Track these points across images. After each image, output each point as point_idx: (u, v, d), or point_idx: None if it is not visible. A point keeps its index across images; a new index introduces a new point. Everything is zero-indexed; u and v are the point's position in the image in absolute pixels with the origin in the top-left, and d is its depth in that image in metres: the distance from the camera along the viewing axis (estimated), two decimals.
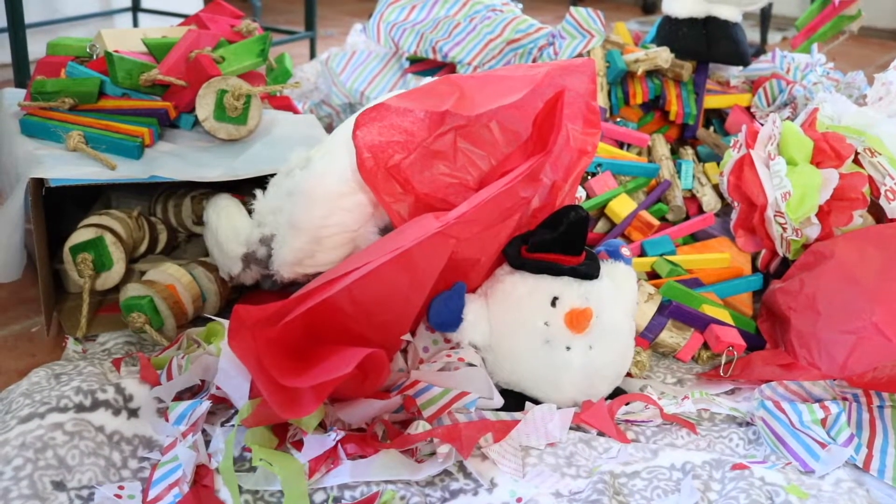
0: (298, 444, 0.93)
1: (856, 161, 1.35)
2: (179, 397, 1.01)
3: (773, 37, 3.61)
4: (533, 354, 1.04)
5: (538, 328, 1.03)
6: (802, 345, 1.16)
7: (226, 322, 1.05)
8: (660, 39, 1.71)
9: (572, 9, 1.66)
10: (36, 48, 1.94)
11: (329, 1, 3.85)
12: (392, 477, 0.90)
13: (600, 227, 1.42)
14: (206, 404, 0.95)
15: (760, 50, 2.27)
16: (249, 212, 1.18)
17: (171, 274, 1.18)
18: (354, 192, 1.07)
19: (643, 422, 1.07)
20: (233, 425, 0.95)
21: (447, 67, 1.79)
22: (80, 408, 0.93)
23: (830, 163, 1.32)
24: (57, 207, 1.33)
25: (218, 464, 0.91)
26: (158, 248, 1.32)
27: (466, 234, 0.98)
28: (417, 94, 1.05)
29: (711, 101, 1.68)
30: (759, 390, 1.10)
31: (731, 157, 1.37)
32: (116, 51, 1.32)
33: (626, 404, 1.06)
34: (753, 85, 1.72)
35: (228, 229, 1.17)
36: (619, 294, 1.09)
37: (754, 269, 1.39)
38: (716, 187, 1.51)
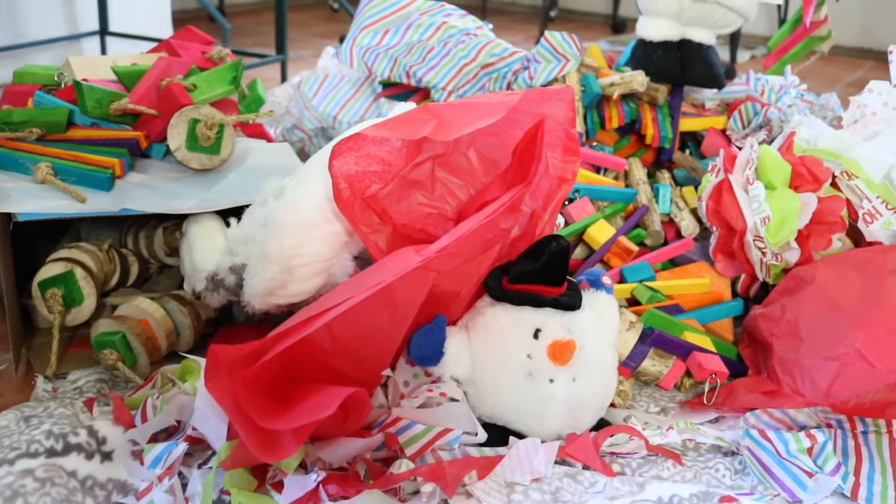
0: (279, 486, 0.90)
1: (833, 184, 1.35)
2: (155, 439, 0.98)
3: (742, 55, 3.64)
4: (516, 387, 1.02)
5: (521, 361, 1.02)
6: (785, 371, 1.16)
7: (201, 360, 1.02)
8: (634, 63, 1.71)
9: (547, 33, 1.65)
10: (2, 73, 1.91)
11: (299, 22, 3.83)
12: None
13: (578, 252, 1.41)
14: (182, 446, 0.92)
15: (730, 69, 2.28)
16: None
17: (143, 309, 1.15)
18: (328, 221, 1.05)
19: (628, 454, 1.05)
20: (210, 467, 0.93)
21: (421, 92, 1.77)
22: (51, 452, 0.90)
23: (808, 186, 1.32)
24: (23, 239, 1.30)
25: None
26: (130, 281, 1.29)
27: (447, 266, 0.97)
28: (394, 122, 1.04)
29: (687, 124, 1.68)
30: (743, 419, 1.09)
31: (710, 181, 1.37)
32: (85, 79, 1.30)
33: (611, 436, 1.05)
34: (728, 107, 1.72)
35: (205, 244, 1.15)
36: (601, 324, 1.08)
37: (734, 294, 1.38)
38: (694, 212, 1.50)
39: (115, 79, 1.35)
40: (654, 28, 1.69)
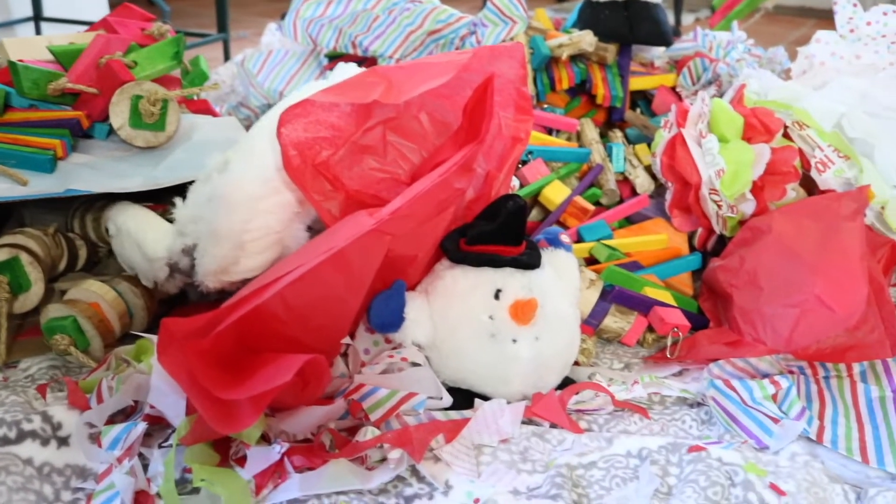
0: (242, 461, 0.88)
1: (785, 135, 1.35)
2: (112, 420, 0.95)
3: (686, 18, 3.65)
4: (479, 349, 1.01)
5: (483, 322, 1.00)
6: (746, 321, 1.16)
7: (155, 338, 1.00)
8: (581, 23, 1.69)
9: None
10: None
11: (239, 2, 3.77)
12: (343, 487, 0.86)
13: (534, 215, 1.40)
14: (141, 426, 0.90)
15: (675, 32, 2.27)
16: (170, 221, 1.13)
17: (94, 291, 1.12)
18: (276, 192, 1.02)
19: (595, 410, 1.04)
20: (171, 445, 0.90)
21: (367, 62, 1.75)
22: (4, 441, 0.87)
23: (761, 138, 1.32)
24: None
25: (158, 488, 0.86)
26: (79, 265, 1.26)
27: (402, 229, 0.95)
28: (343, 87, 1.02)
29: (637, 83, 1.67)
30: (707, 370, 1.09)
31: (663, 137, 1.36)
32: (21, 60, 1.26)
33: (577, 394, 1.04)
34: (677, 65, 1.72)
35: (150, 232, 1.11)
36: (561, 282, 1.07)
37: (691, 249, 1.38)
38: (648, 169, 1.50)
39: (51, 59, 1.31)
40: None
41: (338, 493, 0.86)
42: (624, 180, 1.50)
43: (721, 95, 1.57)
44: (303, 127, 1.01)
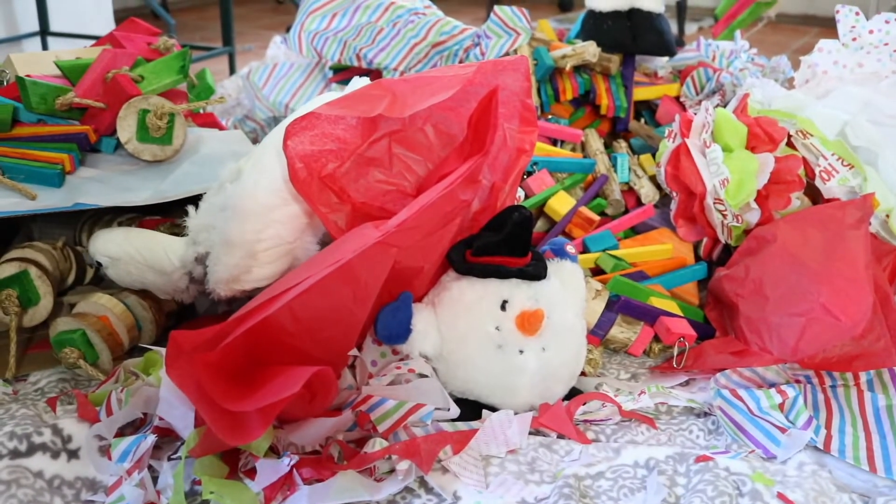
0: (251, 473, 0.88)
1: (789, 144, 1.35)
2: (121, 433, 0.95)
3: (689, 27, 3.66)
4: (486, 361, 1.01)
5: (490, 333, 1.01)
6: (752, 330, 1.16)
7: (163, 350, 1.00)
8: (585, 34, 1.70)
9: (497, 8, 1.64)
10: None
11: (244, 16, 3.79)
12: (352, 499, 0.87)
13: (540, 225, 1.40)
14: (150, 438, 0.90)
15: (679, 41, 2.28)
16: (177, 234, 1.13)
17: (102, 304, 1.12)
18: (287, 203, 1.03)
19: (602, 421, 1.05)
20: (180, 457, 0.90)
21: (372, 74, 1.76)
22: (15, 454, 0.88)
23: (765, 147, 1.32)
24: None
25: (168, 500, 0.87)
26: (87, 279, 1.27)
27: (408, 241, 0.95)
28: (348, 100, 1.02)
29: (640, 93, 1.67)
30: (714, 379, 1.09)
31: (667, 147, 1.37)
32: (28, 75, 1.27)
33: (584, 404, 1.04)
34: (681, 74, 1.72)
35: (156, 249, 1.11)
36: (568, 293, 1.07)
37: (697, 258, 1.38)
38: (653, 179, 1.50)
39: (58, 74, 1.32)
40: None
41: None
42: (629, 190, 1.51)
43: (725, 105, 1.58)
44: (309, 140, 1.01)
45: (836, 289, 1.11)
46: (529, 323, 1.00)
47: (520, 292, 1.02)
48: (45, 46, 2.56)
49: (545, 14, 3.97)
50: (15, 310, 1.13)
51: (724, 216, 1.29)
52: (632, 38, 1.67)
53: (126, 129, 1.23)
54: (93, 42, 1.53)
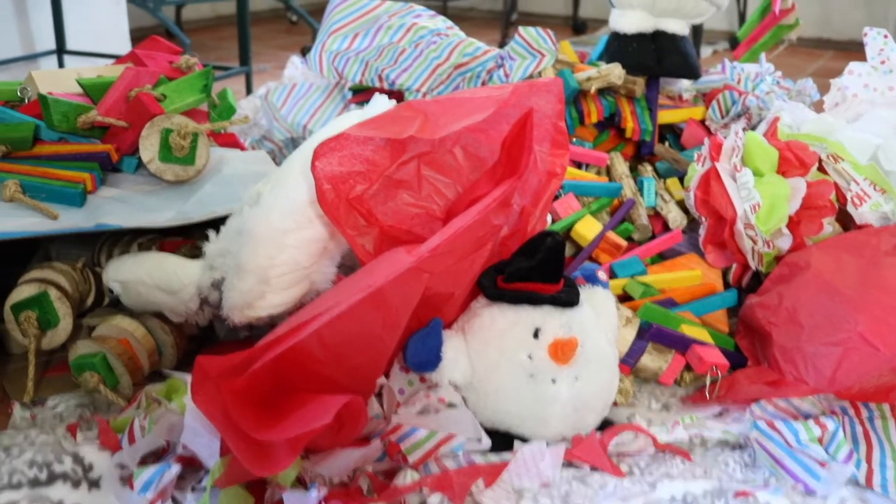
0: None
1: (820, 168, 1.33)
2: (144, 462, 0.93)
3: (704, 50, 3.64)
4: (517, 390, 0.98)
5: (521, 362, 0.98)
6: (787, 360, 1.13)
7: (186, 377, 0.98)
8: (609, 56, 1.68)
9: (521, 29, 1.62)
10: None
11: (258, 36, 3.78)
12: None
13: (566, 250, 1.38)
14: (175, 468, 0.88)
15: None
16: (198, 256, 1.11)
17: (123, 328, 1.10)
18: (302, 227, 1.01)
19: (636, 453, 1.02)
20: (205, 488, 0.88)
21: (394, 95, 1.74)
22: (35, 483, 0.85)
23: (795, 171, 1.30)
24: None
25: None
26: (106, 300, 1.24)
27: (440, 267, 0.93)
28: (379, 121, 1.00)
29: (665, 116, 1.65)
30: (749, 410, 1.06)
31: (696, 171, 1.34)
32: (50, 93, 1.25)
33: (617, 435, 1.02)
34: (706, 97, 1.70)
35: (167, 271, 1.09)
36: (600, 320, 1.05)
37: (725, 285, 1.35)
38: (680, 203, 1.48)
39: (80, 92, 1.31)
40: (627, 20, 1.66)
41: None
42: (655, 215, 1.48)
43: (751, 128, 1.56)
44: (337, 161, 0.99)
45: (874, 317, 1.08)
46: (563, 352, 0.98)
47: (552, 320, 0.99)
48: (61, 64, 2.55)
49: (559, 36, 3.96)
50: (34, 332, 1.11)
51: (755, 242, 1.26)
52: (656, 60, 1.65)
53: (149, 148, 1.21)
54: (113, 60, 1.52)
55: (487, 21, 4.33)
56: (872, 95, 1.48)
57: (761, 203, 1.25)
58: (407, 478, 0.88)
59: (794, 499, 0.91)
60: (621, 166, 1.52)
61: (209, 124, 1.28)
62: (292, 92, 1.88)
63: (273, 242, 1.00)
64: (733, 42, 3.70)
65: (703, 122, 1.67)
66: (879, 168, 1.33)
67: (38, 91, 1.26)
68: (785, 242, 1.27)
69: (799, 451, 0.99)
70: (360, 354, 0.90)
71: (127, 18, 2.80)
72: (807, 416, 1.06)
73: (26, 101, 1.30)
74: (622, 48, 1.66)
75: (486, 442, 0.96)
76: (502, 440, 0.99)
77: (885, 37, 1.56)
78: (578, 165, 1.53)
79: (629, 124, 1.58)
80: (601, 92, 1.61)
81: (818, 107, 1.67)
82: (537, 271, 1.00)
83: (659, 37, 1.67)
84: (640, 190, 1.49)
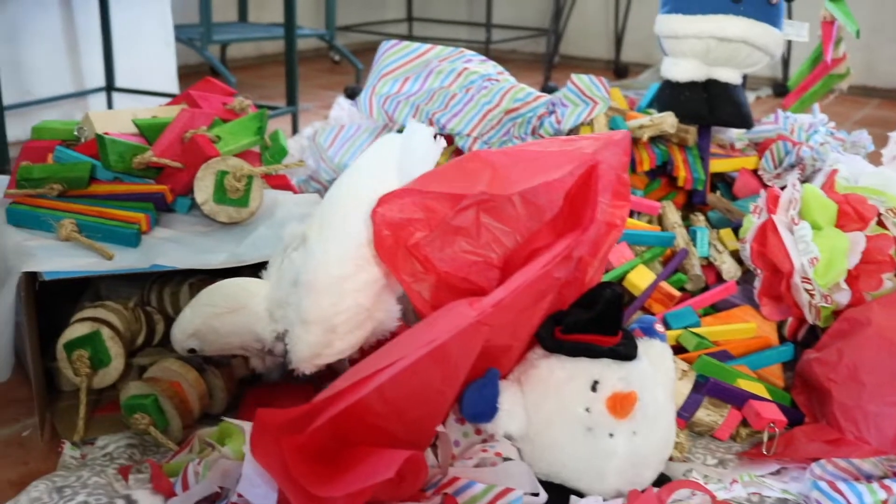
0: None
1: (879, 223, 1.31)
2: None
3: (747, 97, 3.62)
4: (574, 443, 0.97)
5: (579, 415, 0.96)
6: (848, 418, 1.11)
7: (239, 423, 0.97)
8: (660, 104, 1.67)
9: (574, 76, 1.62)
10: (10, 131, 1.88)
11: (302, 75, 3.81)
12: None
13: None
14: None
15: None
16: None
17: (175, 370, 1.10)
18: (361, 269, 1.00)
19: None
20: None
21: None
22: None
23: (854, 225, 1.28)
24: (38, 298, 1.24)
25: None
26: (156, 340, 1.24)
27: (501, 320, 0.92)
28: (446, 174, 1.00)
29: (717, 165, 1.64)
30: (809, 470, 1.04)
31: (753, 223, 1.33)
32: (106, 133, 1.26)
33: (674, 492, 0.99)
34: (759, 147, 1.68)
35: (234, 289, 1.06)
36: (657, 374, 1.03)
37: (780, 338, 1.33)
38: (734, 254, 1.46)
39: (135, 132, 1.31)
40: (680, 69, 1.66)
41: None
42: (707, 265, 1.46)
43: (805, 180, 1.54)
44: (398, 207, 0.99)
45: None
46: (622, 406, 0.96)
47: (611, 373, 0.98)
48: (109, 101, 2.58)
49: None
50: (86, 371, 1.10)
51: (812, 296, 1.24)
52: (709, 109, 1.64)
53: (203, 189, 1.21)
54: (157, 101, 1.53)
55: (529, 63, 4.34)
56: None
57: (819, 257, 1.23)
58: None
59: None
60: (673, 215, 1.51)
61: (263, 167, 1.28)
62: (340, 133, 1.88)
63: (334, 290, 0.99)
64: (776, 88, 3.68)
65: (755, 171, 1.65)
66: None
67: (95, 131, 1.27)
68: (843, 297, 1.25)
69: None
70: (419, 408, 0.89)
71: (175, 56, 2.83)
72: (868, 478, 1.03)
73: (83, 140, 1.31)
74: (674, 96, 1.65)
75: (544, 496, 0.95)
76: (558, 494, 0.97)
77: None
78: (630, 213, 1.51)
79: (681, 173, 1.57)
80: (653, 140, 1.60)
81: (873, 158, 1.65)
82: (596, 323, 0.98)
83: (711, 85, 1.66)
84: (693, 240, 1.47)
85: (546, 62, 3.84)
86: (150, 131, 1.30)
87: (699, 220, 1.55)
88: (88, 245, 1.13)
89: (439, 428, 0.95)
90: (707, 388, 1.14)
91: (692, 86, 1.65)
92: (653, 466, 1.01)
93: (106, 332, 1.11)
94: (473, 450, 0.97)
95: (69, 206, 1.20)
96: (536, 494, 0.94)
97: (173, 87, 2.79)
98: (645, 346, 1.04)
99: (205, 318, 1.04)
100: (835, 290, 1.25)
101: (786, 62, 3.72)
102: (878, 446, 1.06)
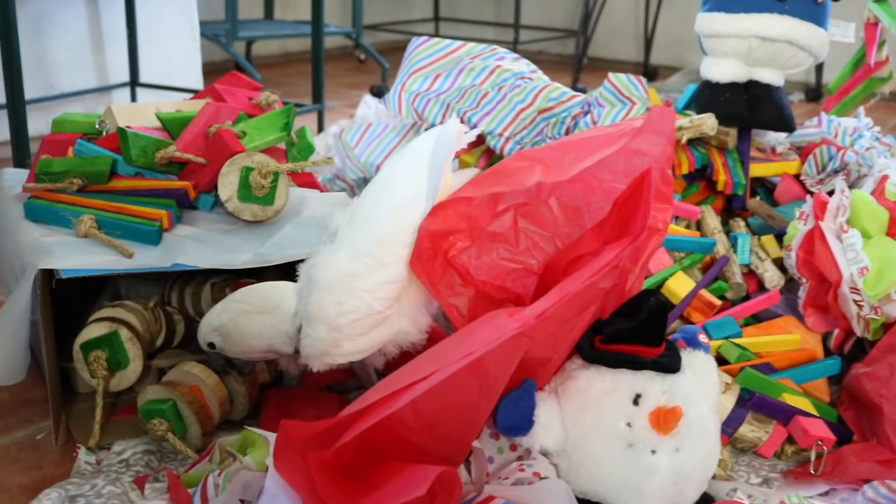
0: None
1: None
2: None
3: None
4: (614, 460, 0.91)
5: (620, 430, 0.91)
6: None
7: (262, 432, 0.93)
8: (699, 105, 1.61)
9: (611, 75, 1.57)
10: (32, 125, 1.84)
11: (327, 73, 3.77)
12: None
13: None
14: None
15: None
16: None
17: (195, 374, 1.05)
18: (371, 270, 0.94)
19: None
20: None
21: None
22: None
23: None
24: (54, 296, 1.20)
25: None
26: (175, 341, 1.20)
27: (543, 332, 0.87)
28: (491, 177, 0.95)
29: (757, 170, 1.58)
30: (861, 492, 0.98)
31: (798, 229, 1.27)
32: (129, 126, 1.22)
33: None
34: (801, 151, 1.62)
35: (267, 291, 1.02)
36: (701, 387, 0.97)
37: (825, 351, 1.27)
38: (776, 262, 1.40)
39: (158, 126, 1.27)
40: (720, 69, 1.60)
41: None
42: (748, 273, 1.40)
43: (850, 185, 1.48)
44: (442, 219, 0.94)
45: None
46: (665, 421, 0.90)
47: (654, 386, 0.92)
48: (134, 96, 2.55)
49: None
50: (103, 373, 1.06)
51: (861, 307, 1.18)
52: (749, 111, 1.58)
53: (227, 186, 1.17)
54: (186, 94, 1.49)
55: (556, 65, 4.28)
56: None
57: (870, 266, 1.18)
58: None
59: None
60: (713, 221, 1.45)
61: (290, 164, 1.23)
62: (367, 132, 1.84)
63: (341, 288, 0.94)
64: (809, 93, 3.61)
65: (797, 176, 1.59)
66: None
67: (117, 124, 1.23)
68: (894, 309, 1.19)
69: None
70: (453, 423, 0.84)
71: (200, 52, 2.80)
72: None
73: (104, 133, 1.27)
74: (714, 97, 1.60)
75: None
76: None
77: None
78: None
79: (721, 177, 1.51)
80: (691, 142, 1.54)
81: None
82: (639, 333, 0.93)
83: (753, 87, 1.60)
84: (734, 246, 1.41)
85: (575, 63, 3.78)
86: (173, 125, 1.26)
87: (739, 225, 1.49)
88: (108, 242, 1.09)
89: (474, 443, 0.90)
90: (752, 402, 1.08)
91: (732, 87, 1.60)
92: (696, 485, 0.95)
93: (124, 333, 1.07)
94: (510, 468, 0.92)
95: (89, 201, 1.16)
96: None
97: (198, 83, 2.75)
98: (688, 357, 0.99)
99: (232, 315, 0.99)
100: (885, 302, 1.19)
101: (819, 66, 3.65)
102: None
